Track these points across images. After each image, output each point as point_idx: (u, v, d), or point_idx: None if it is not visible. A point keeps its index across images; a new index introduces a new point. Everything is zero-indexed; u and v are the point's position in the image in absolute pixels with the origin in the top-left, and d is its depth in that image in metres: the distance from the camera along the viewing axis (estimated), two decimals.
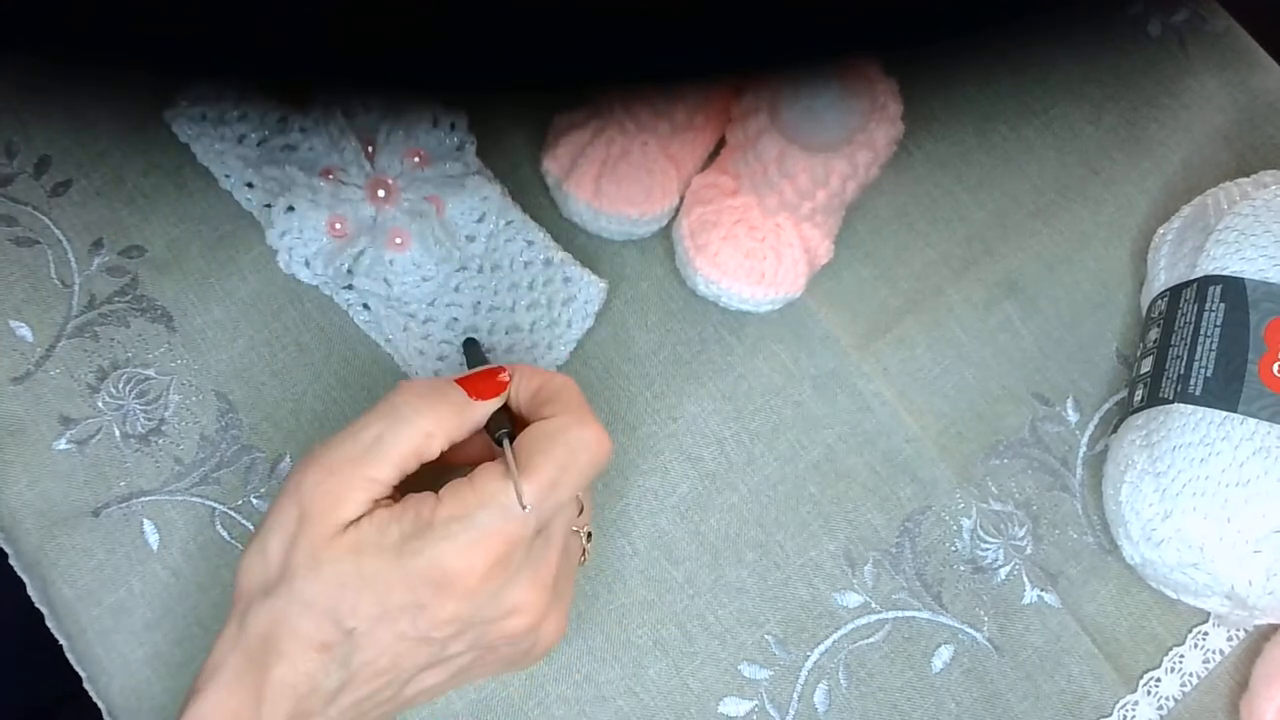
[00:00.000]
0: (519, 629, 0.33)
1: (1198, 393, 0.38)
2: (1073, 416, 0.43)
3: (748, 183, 0.41)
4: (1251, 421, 0.36)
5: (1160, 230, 0.43)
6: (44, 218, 0.43)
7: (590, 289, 0.42)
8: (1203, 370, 0.38)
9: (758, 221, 0.41)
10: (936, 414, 0.43)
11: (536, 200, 0.44)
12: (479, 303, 0.42)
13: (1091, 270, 0.45)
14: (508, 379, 0.35)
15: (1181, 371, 0.38)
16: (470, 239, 0.42)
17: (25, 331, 0.42)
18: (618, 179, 0.42)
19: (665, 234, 0.44)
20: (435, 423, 0.33)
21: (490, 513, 0.31)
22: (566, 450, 0.32)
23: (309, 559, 0.31)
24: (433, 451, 0.33)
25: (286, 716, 0.31)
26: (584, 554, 0.36)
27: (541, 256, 0.42)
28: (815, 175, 0.40)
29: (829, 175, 0.40)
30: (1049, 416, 0.43)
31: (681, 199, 0.43)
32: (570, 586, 0.36)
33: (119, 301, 0.42)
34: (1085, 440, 0.43)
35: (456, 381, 0.34)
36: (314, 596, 0.31)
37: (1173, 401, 0.38)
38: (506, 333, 0.42)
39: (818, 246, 0.42)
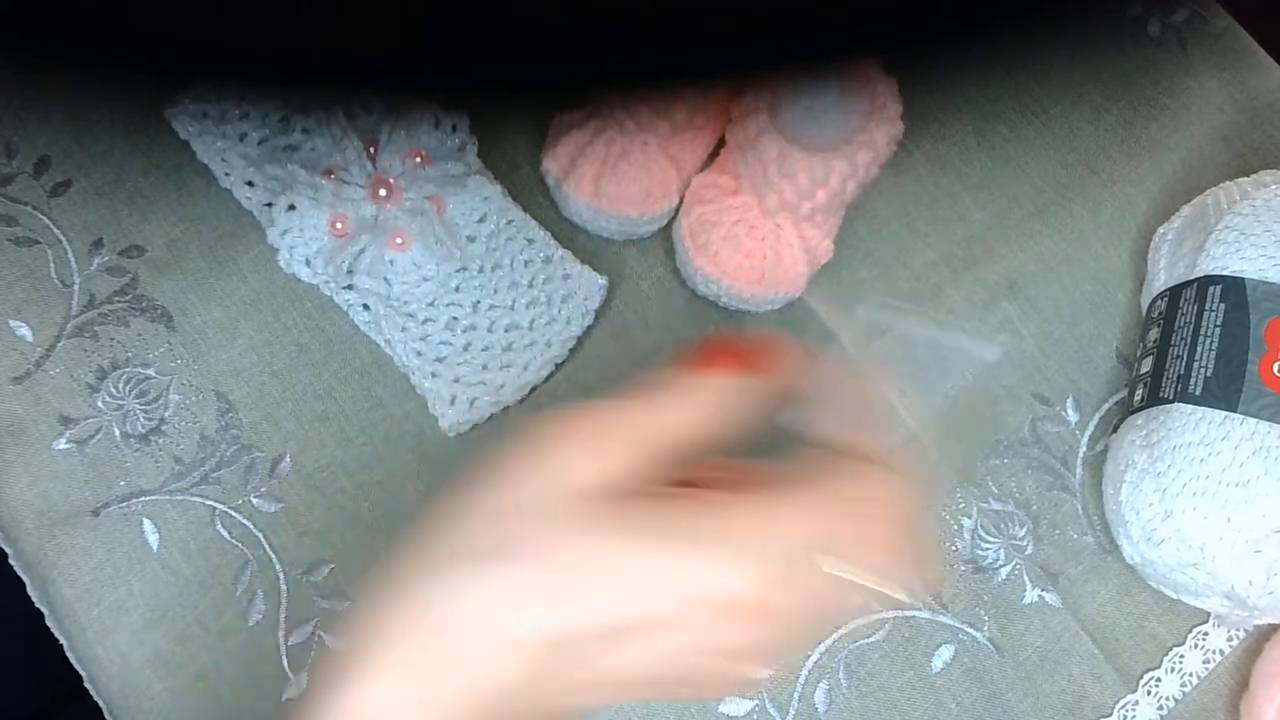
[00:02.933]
0: (748, 668, 0.27)
1: (1198, 392, 0.38)
2: (1073, 416, 0.43)
3: (748, 183, 0.41)
4: (1252, 421, 0.36)
5: (1160, 230, 0.43)
6: (44, 217, 0.43)
7: (590, 285, 0.42)
8: (1203, 370, 0.38)
9: (757, 221, 0.41)
10: (937, 414, 0.43)
11: (536, 200, 0.44)
12: (479, 302, 0.42)
13: (1091, 270, 0.45)
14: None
15: (1181, 371, 0.38)
16: (471, 239, 0.42)
17: (25, 331, 0.42)
18: (618, 179, 0.42)
19: (665, 234, 0.44)
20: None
21: (788, 544, 0.26)
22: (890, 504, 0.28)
23: (569, 524, 0.26)
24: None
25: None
26: None
27: (541, 254, 0.42)
28: (815, 175, 0.40)
29: (829, 175, 0.40)
30: (1049, 416, 0.43)
31: (681, 199, 0.43)
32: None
33: (119, 301, 0.42)
34: (1085, 440, 0.43)
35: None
36: (568, 569, 0.25)
37: (1173, 401, 0.38)
38: (506, 331, 0.42)
39: (818, 246, 0.42)
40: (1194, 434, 0.37)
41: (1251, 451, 0.36)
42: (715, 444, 0.29)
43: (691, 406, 0.28)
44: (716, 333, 0.30)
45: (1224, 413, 0.37)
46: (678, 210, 0.43)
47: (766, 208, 0.41)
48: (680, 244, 0.42)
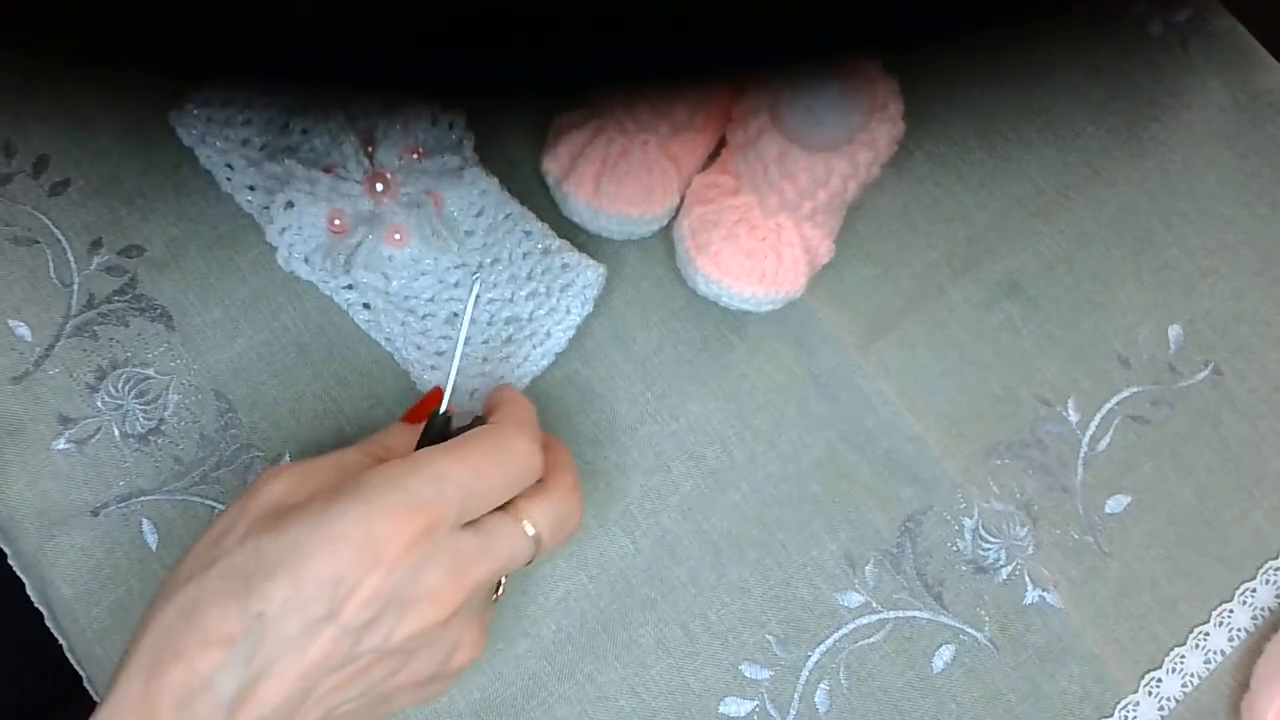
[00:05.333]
0: (430, 621, 0.30)
1: None
2: (1073, 416, 0.43)
3: (748, 182, 0.41)
4: None
5: None
6: (43, 217, 0.43)
7: (589, 274, 0.42)
8: None
9: (758, 221, 0.41)
10: (938, 414, 0.43)
11: (537, 200, 0.44)
12: (478, 296, 0.42)
13: (1092, 270, 0.45)
14: (439, 393, 0.36)
15: None
16: (469, 233, 0.42)
17: (24, 331, 0.42)
18: (618, 179, 0.42)
19: (665, 234, 0.44)
20: (387, 440, 0.34)
21: (421, 481, 0.30)
22: (498, 447, 0.32)
23: (238, 538, 0.30)
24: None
25: None
26: (499, 589, 0.35)
27: (540, 246, 0.42)
28: (816, 175, 0.40)
29: (830, 175, 0.40)
30: (1049, 417, 0.43)
31: (682, 199, 0.43)
32: (489, 610, 0.34)
33: (118, 301, 0.42)
34: (1085, 440, 0.43)
35: (401, 420, 0.36)
36: (224, 576, 0.29)
37: None
38: (506, 323, 0.42)
39: (819, 246, 0.42)
40: None
41: None
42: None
43: (384, 445, 0.34)
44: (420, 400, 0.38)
45: None
46: (678, 210, 0.43)
47: (767, 207, 0.41)
48: (680, 244, 0.42)
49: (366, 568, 0.29)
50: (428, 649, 0.31)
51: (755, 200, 0.41)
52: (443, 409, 0.36)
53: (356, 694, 0.31)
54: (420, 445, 0.34)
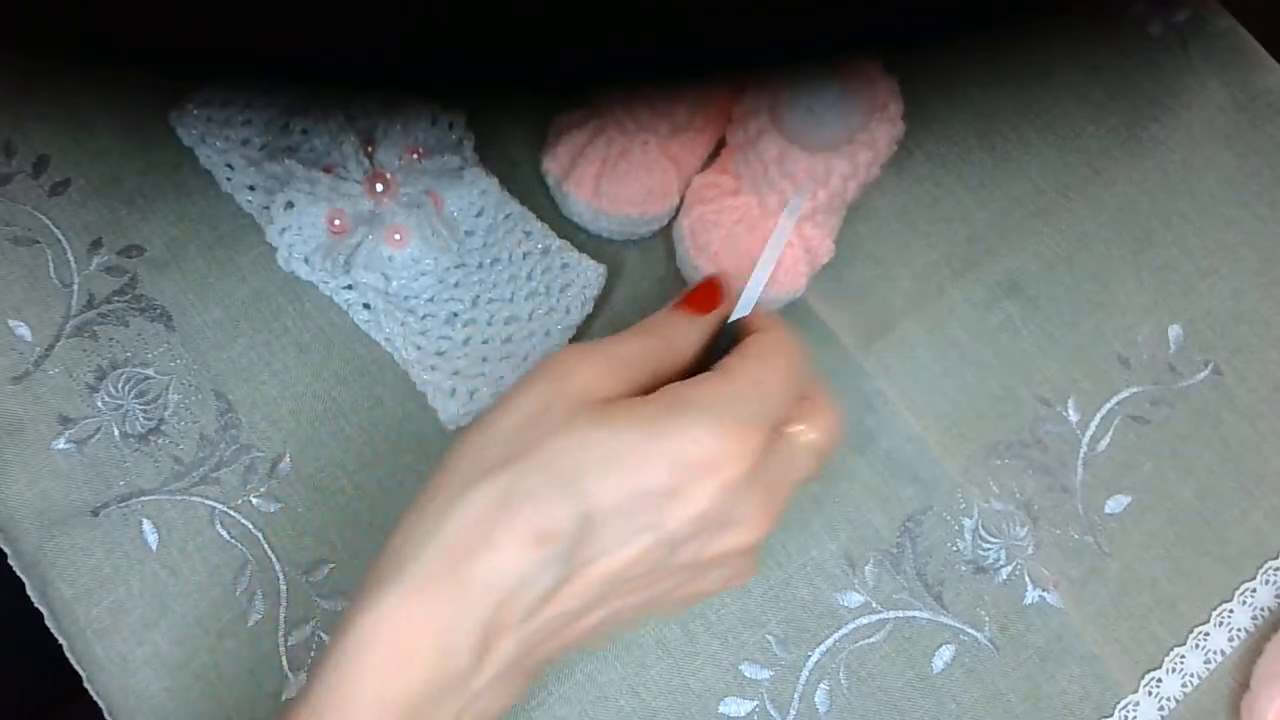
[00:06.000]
0: (743, 544, 0.30)
1: None
2: (1073, 416, 0.43)
3: (748, 182, 0.41)
4: None
5: None
6: (43, 217, 0.43)
7: (589, 274, 0.42)
8: None
9: (758, 221, 0.41)
10: (937, 414, 0.43)
11: (537, 200, 0.44)
12: (478, 296, 0.42)
13: (1092, 270, 0.45)
14: (719, 283, 0.34)
15: None
16: (469, 233, 0.42)
17: (24, 331, 0.42)
18: (618, 179, 0.42)
19: (665, 234, 0.44)
20: (671, 332, 0.32)
21: (752, 400, 0.29)
22: (790, 358, 0.31)
23: (560, 424, 0.28)
24: (678, 359, 0.32)
25: (483, 625, 0.27)
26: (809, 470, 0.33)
27: (539, 246, 0.42)
28: (816, 175, 0.40)
29: (830, 175, 0.40)
30: (1049, 417, 0.43)
31: (682, 199, 0.43)
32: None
33: (118, 301, 0.42)
34: (1085, 440, 0.43)
35: (677, 307, 0.33)
36: (554, 465, 0.27)
37: None
38: (506, 323, 0.42)
39: (818, 246, 0.42)
40: None
41: None
42: (683, 369, 0.32)
43: (668, 338, 0.32)
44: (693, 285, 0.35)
45: None
46: (678, 210, 0.43)
47: (767, 207, 0.41)
48: (681, 244, 0.42)
49: (702, 484, 0.28)
50: (720, 569, 0.31)
51: (755, 200, 0.41)
52: (733, 317, 0.34)
53: (644, 600, 0.30)
54: (711, 349, 0.33)
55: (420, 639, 0.27)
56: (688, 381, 0.30)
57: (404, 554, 0.27)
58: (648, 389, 0.30)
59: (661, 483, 0.28)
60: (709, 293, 0.34)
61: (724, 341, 0.33)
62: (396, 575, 0.27)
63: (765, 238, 0.41)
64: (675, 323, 0.33)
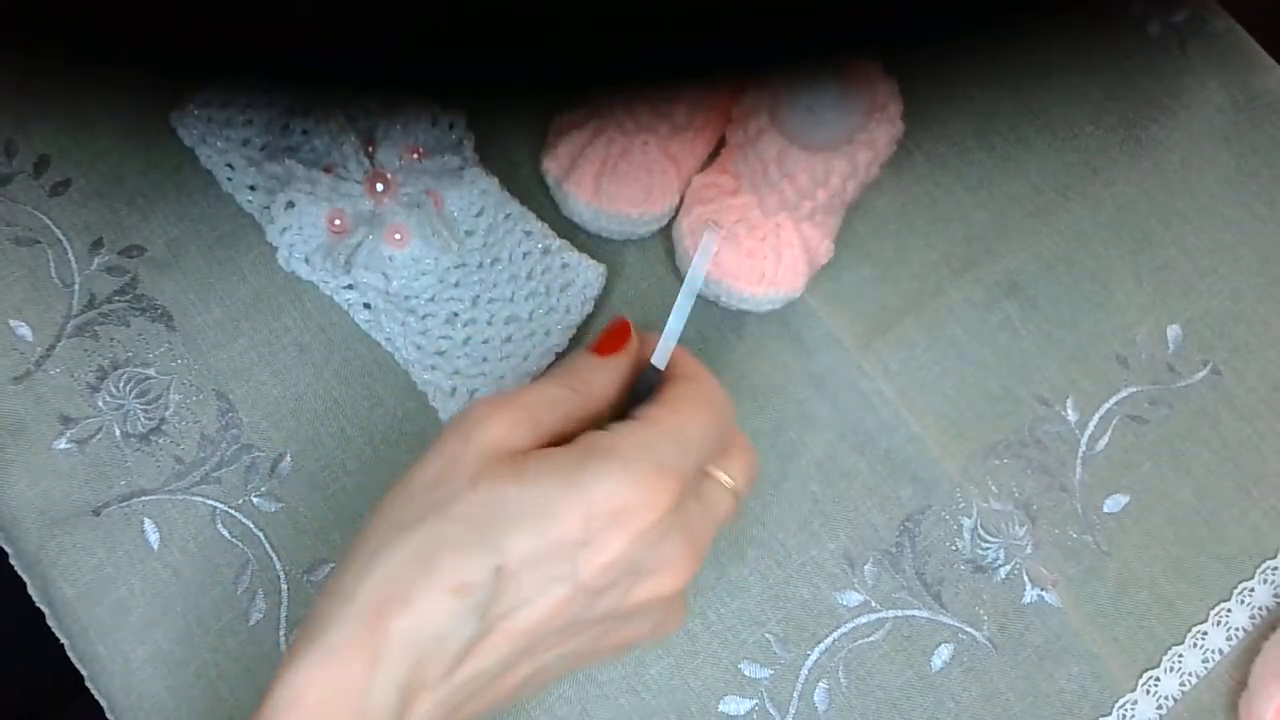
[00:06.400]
0: (665, 591, 0.30)
1: None
2: (1072, 416, 0.43)
3: (748, 182, 0.41)
4: None
5: None
6: (43, 217, 0.43)
7: (589, 274, 0.42)
8: None
9: (758, 221, 0.41)
10: (937, 413, 0.43)
11: (537, 200, 0.44)
12: (478, 296, 0.42)
13: (1091, 270, 0.45)
14: (627, 324, 0.34)
15: None
16: (469, 233, 0.42)
17: (25, 331, 0.42)
18: (618, 179, 0.42)
19: (665, 233, 0.44)
20: (584, 377, 0.32)
21: (671, 446, 0.29)
22: (712, 404, 0.31)
23: (468, 480, 0.28)
24: (591, 405, 0.32)
25: (401, 685, 0.27)
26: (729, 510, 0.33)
27: (540, 246, 0.42)
28: (815, 174, 0.40)
29: (829, 175, 0.40)
30: (1049, 417, 0.43)
31: (681, 199, 0.43)
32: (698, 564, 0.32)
33: (119, 301, 0.42)
34: (1084, 440, 0.43)
35: (589, 350, 0.33)
36: (465, 520, 0.28)
37: None
38: (506, 322, 0.42)
39: (818, 246, 0.42)
40: None
41: None
42: (599, 415, 0.32)
43: (581, 384, 0.32)
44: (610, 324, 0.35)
45: None
46: (678, 210, 0.43)
47: (766, 207, 0.41)
48: (680, 243, 0.42)
49: (616, 533, 0.28)
50: (645, 616, 0.31)
51: (755, 200, 0.41)
52: (660, 365, 0.34)
53: (569, 651, 0.30)
54: (630, 395, 0.33)
55: (337, 702, 0.27)
56: (604, 430, 0.30)
57: (327, 616, 0.28)
58: (565, 437, 0.30)
59: (574, 533, 0.28)
60: (617, 335, 0.34)
61: (645, 387, 0.33)
62: (318, 637, 0.27)
63: (765, 237, 0.41)
64: (587, 367, 0.33)
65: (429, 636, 0.27)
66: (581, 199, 0.42)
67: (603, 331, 0.34)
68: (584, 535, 0.28)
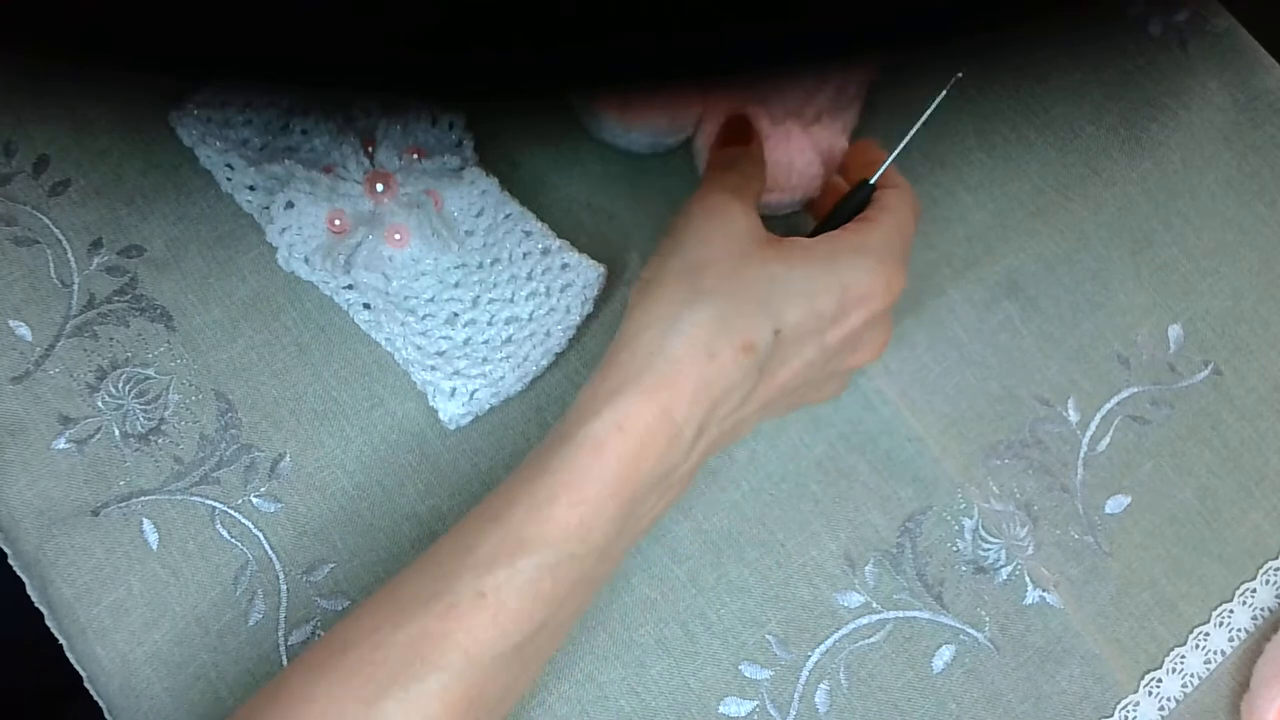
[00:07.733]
0: (860, 362, 0.37)
1: None
2: (1073, 416, 0.43)
3: (754, 94, 0.42)
4: None
5: None
6: (43, 217, 0.43)
7: (588, 274, 0.42)
8: None
9: (768, 131, 0.41)
10: (937, 414, 0.43)
11: (537, 200, 0.44)
12: (478, 297, 0.42)
13: (1092, 270, 0.45)
14: (742, 117, 0.41)
15: None
16: (469, 233, 0.42)
17: (24, 331, 0.42)
18: (643, 103, 0.42)
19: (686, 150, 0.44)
20: (750, 166, 0.38)
21: (900, 243, 0.36)
22: (911, 207, 0.37)
23: (740, 260, 0.34)
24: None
25: (699, 423, 0.32)
26: None
27: (539, 246, 0.42)
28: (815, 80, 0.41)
29: (827, 80, 0.41)
30: (1049, 417, 0.43)
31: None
32: None
33: (118, 301, 0.42)
34: (1085, 440, 0.43)
35: (733, 147, 0.39)
36: (747, 292, 0.33)
37: None
38: (506, 323, 0.42)
39: (832, 145, 0.42)
40: None
41: None
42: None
43: (755, 167, 0.38)
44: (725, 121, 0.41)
45: None
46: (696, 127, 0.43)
47: (774, 116, 0.42)
48: (699, 155, 0.43)
49: (859, 312, 0.35)
50: (835, 381, 0.38)
51: (763, 110, 0.41)
52: (873, 180, 0.38)
53: (786, 402, 0.37)
54: (842, 203, 0.38)
55: (660, 431, 0.32)
56: (847, 228, 0.36)
57: (637, 363, 0.33)
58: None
59: (830, 309, 0.34)
60: (739, 124, 0.40)
61: (863, 195, 0.38)
62: (635, 380, 0.32)
63: (776, 147, 0.41)
64: (748, 159, 0.38)
65: (725, 385, 0.33)
66: (610, 114, 0.43)
67: (725, 130, 0.40)
68: (836, 311, 0.34)
